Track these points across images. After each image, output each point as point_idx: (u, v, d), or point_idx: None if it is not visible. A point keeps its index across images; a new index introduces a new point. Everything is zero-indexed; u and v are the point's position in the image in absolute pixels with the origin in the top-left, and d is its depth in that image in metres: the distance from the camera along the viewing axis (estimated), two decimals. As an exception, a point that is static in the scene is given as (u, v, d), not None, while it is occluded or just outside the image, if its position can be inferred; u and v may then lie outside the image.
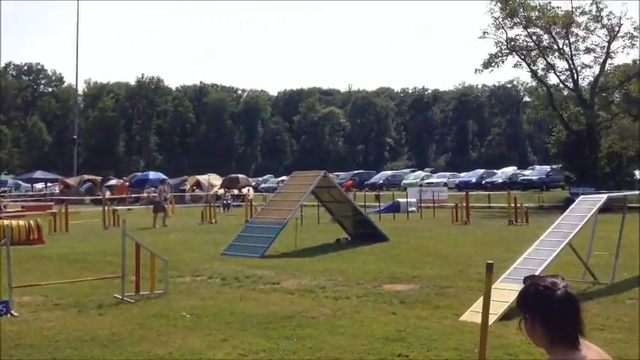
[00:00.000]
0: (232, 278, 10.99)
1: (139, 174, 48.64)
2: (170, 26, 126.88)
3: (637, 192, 17.07)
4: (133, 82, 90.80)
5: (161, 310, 8.60)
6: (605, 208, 13.50)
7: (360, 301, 9.02)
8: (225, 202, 32.55)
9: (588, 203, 10.89)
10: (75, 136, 53.75)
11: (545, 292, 2.25)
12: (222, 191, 36.27)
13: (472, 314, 7.74)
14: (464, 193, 27.33)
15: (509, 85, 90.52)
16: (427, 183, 43.82)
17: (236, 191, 37.89)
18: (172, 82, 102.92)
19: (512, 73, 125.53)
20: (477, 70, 33.44)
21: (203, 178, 40.52)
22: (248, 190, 37.50)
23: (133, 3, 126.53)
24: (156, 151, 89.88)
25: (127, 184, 40.76)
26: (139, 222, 24.10)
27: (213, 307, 8.74)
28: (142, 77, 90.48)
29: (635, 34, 30.54)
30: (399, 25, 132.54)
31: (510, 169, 50.48)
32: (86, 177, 45.70)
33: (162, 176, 44.76)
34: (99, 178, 44.80)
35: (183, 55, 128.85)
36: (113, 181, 45.51)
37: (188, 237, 18.54)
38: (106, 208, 23.60)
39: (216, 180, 40.29)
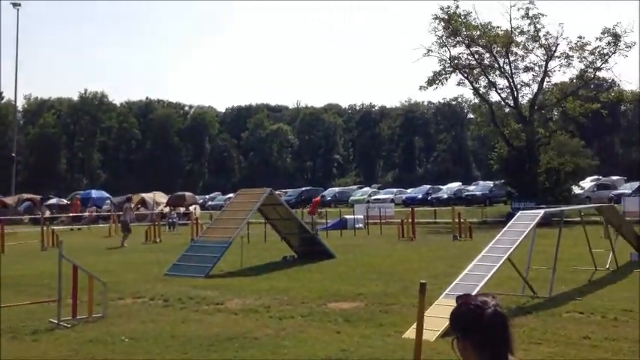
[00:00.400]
0: (175, 299, 10.75)
1: (81, 192, 47.28)
2: (115, 40, 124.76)
3: (573, 207, 17.66)
4: (75, 98, 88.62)
5: (98, 334, 8.31)
6: (543, 223, 13.95)
7: (305, 321, 8.95)
8: (170, 220, 31.97)
9: (527, 218, 11.19)
10: (14, 154, 51.90)
11: (476, 311, 2.25)
12: (167, 209, 35.61)
13: (415, 332, 7.79)
14: (410, 209, 27.66)
15: (454, 102, 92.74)
16: (374, 199, 44.24)
17: (182, 209, 37.26)
18: (117, 97, 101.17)
19: (457, 90, 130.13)
20: (421, 87, 34.08)
21: (148, 196, 39.71)
22: (195, 208, 36.94)
23: (74, 15, 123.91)
24: (100, 169, 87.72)
25: (78, 202, 39.38)
26: (82, 242, 23.48)
27: (153, 330, 8.50)
28: (85, 93, 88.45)
29: (571, 53, 31.76)
30: (346, 41, 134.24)
31: (455, 185, 51.53)
32: (25, 196, 44.09)
33: (106, 194, 43.79)
34: (38, 197, 43.28)
35: (129, 71, 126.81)
36: (53, 200, 44.10)
37: (131, 257, 18.08)
38: (45, 228, 22.77)
39: (161, 198, 39.56)
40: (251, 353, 7.24)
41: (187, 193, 41.36)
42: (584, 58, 31.59)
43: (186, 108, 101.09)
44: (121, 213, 23.05)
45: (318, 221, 28.14)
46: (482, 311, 2.24)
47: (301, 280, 12.91)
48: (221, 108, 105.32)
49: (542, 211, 11.65)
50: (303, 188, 57.14)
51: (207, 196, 58.43)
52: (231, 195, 41.92)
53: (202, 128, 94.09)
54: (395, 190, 53.42)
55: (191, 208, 36.76)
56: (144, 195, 40.53)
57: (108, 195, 43.65)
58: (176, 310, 9.95)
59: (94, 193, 44.49)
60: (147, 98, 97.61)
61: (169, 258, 15.84)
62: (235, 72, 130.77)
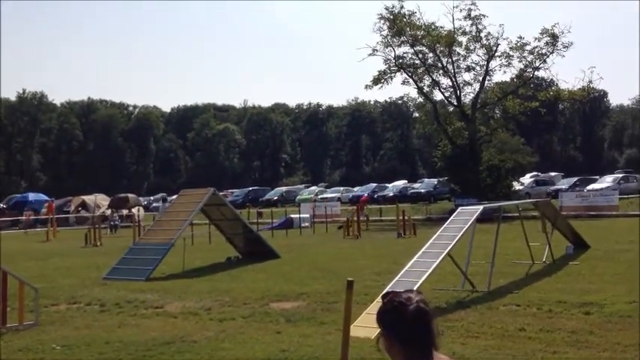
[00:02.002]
0: (112, 304, 10.42)
1: (18, 195, 45.55)
2: (56, 38, 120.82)
3: (511, 202, 18.08)
4: (13, 98, 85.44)
5: (29, 343, 7.97)
6: (484, 218, 14.22)
7: (246, 322, 8.83)
8: (112, 223, 31.15)
9: (466, 214, 11.36)
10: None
11: (399, 308, 2.27)
12: (109, 212, 34.70)
13: (356, 329, 7.75)
14: (356, 207, 27.79)
15: (399, 101, 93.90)
16: (321, 198, 44.29)
17: (125, 211, 36.37)
18: (58, 97, 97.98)
19: (402, 89, 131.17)
20: (367, 86, 34.33)
21: (89, 199, 38.58)
22: (138, 210, 36.09)
23: (11, 12, 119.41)
24: (39, 171, 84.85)
25: (4, 206, 37.85)
26: (18, 246, 22.64)
27: (87, 336, 8.21)
28: (24, 93, 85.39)
29: (511, 53, 32.56)
30: (292, 40, 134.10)
31: (401, 183, 52.14)
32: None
33: (44, 197, 42.35)
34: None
35: (70, 69, 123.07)
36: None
37: (69, 262, 17.48)
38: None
39: (103, 200, 38.50)
40: (188, 357, 7.07)
41: (130, 195, 40.37)
42: (524, 57, 32.50)
43: (131, 108, 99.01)
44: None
45: (262, 221, 27.96)
46: (406, 308, 2.25)
47: (244, 280, 12.75)
48: (166, 108, 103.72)
49: (481, 207, 11.87)
50: (250, 188, 56.76)
51: (151, 198, 57.30)
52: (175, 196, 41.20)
53: (147, 128, 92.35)
54: (342, 188, 53.65)
55: (134, 210, 35.90)
56: (85, 197, 39.36)
57: (46, 197, 42.19)
58: (113, 315, 9.65)
59: (32, 196, 42.92)
60: (89, 98, 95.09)
61: (109, 262, 15.39)
62: (181, 71, 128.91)
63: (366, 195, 39.71)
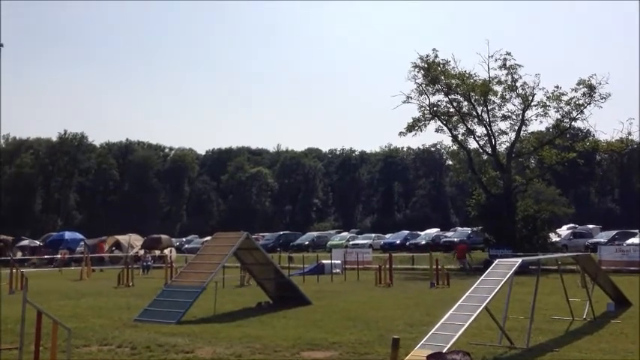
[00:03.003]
0: (143, 347, 10.37)
1: (54, 234, 46.35)
2: (95, 81, 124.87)
3: (550, 255, 17.66)
4: (54, 138, 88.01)
5: (60, 384, 7.93)
6: (521, 271, 13.87)
7: (277, 371, 8.66)
8: (145, 263, 31.36)
9: (504, 267, 11.10)
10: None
11: None
12: (142, 252, 34.98)
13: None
14: (388, 254, 27.48)
15: (432, 149, 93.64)
16: (352, 244, 43.98)
17: (158, 252, 36.63)
18: (97, 138, 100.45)
19: (436, 137, 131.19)
20: (401, 133, 34.39)
21: (123, 238, 39.03)
22: (170, 250, 36.33)
23: (55, 56, 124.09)
24: (76, 210, 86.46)
25: (104, 246, 38.02)
26: (52, 285, 22.88)
27: (118, 380, 8.14)
28: (65, 133, 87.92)
29: (548, 103, 32.36)
30: (326, 85, 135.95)
31: (433, 231, 51.51)
32: (-2, 236, 43.08)
33: (79, 236, 42.99)
34: (10, 238, 42.34)
35: (109, 111, 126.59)
36: (26, 242, 43.13)
37: (101, 302, 17.57)
38: (14, 270, 22.12)
39: (137, 240, 38.91)
40: (219, 406, 6.94)
41: (163, 236, 40.75)
42: (561, 108, 32.24)
43: (167, 150, 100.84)
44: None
45: (293, 266, 27.80)
46: None
47: (275, 327, 12.60)
48: (201, 150, 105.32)
49: (519, 260, 11.57)
50: (281, 232, 56.77)
51: (184, 239, 57.71)
52: (208, 238, 41.46)
53: (182, 170, 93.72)
54: (373, 235, 53.21)
55: (166, 250, 36.15)
56: (118, 237, 39.84)
57: (82, 236, 42.84)
58: (143, 359, 9.59)
59: (67, 235, 43.63)
60: (127, 139, 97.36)
61: (141, 303, 15.43)
62: (216, 114, 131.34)
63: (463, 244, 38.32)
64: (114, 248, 39.02)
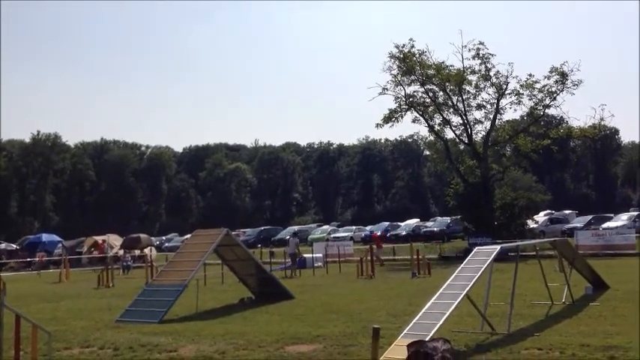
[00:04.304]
0: (126, 348, 10.28)
1: (31, 237, 45.69)
2: (68, 80, 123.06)
3: (528, 241, 17.87)
4: (27, 140, 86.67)
5: (42, 388, 7.84)
6: (500, 258, 14.01)
7: (261, 366, 8.66)
8: (124, 263, 31.07)
9: (483, 254, 11.20)
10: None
11: (425, 359, 2.26)
12: (121, 252, 34.66)
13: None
14: (369, 246, 27.58)
15: (410, 140, 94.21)
16: (334, 237, 44.08)
17: (137, 252, 36.32)
18: (71, 138, 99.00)
19: (413, 127, 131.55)
20: (378, 124, 34.43)
21: (101, 239, 38.61)
22: (150, 250, 36.03)
23: (26, 54, 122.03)
24: (52, 211, 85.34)
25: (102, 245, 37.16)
26: (30, 288, 22.56)
27: (101, 381, 8.07)
28: (38, 134, 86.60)
29: (521, 91, 32.65)
30: (302, 79, 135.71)
31: (413, 222, 51.85)
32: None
33: (57, 238, 42.44)
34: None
35: (83, 111, 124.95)
36: (2, 245, 42.45)
37: (81, 303, 17.38)
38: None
39: (116, 240, 38.51)
40: (204, 403, 6.92)
41: (142, 235, 40.38)
42: (534, 96, 32.54)
43: (143, 148, 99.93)
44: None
45: (275, 261, 27.80)
46: (431, 358, 2.24)
47: (258, 322, 12.59)
48: (178, 148, 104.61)
49: (498, 247, 11.69)
50: (262, 228, 56.69)
51: (163, 238, 57.34)
52: (188, 236, 41.17)
53: (159, 168, 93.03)
54: (354, 227, 53.40)
55: (146, 250, 35.85)
56: (97, 237, 39.43)
57: (59, 238, 42.30)
58: (126, 359, 9.51)
59: (45, 237, 43.03)
60: (102, 139, 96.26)
61: (122, 303, 15.30)
62: (192, 111, 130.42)
63: (377, 232, 39.56)
64: (92, 249, 38.59)
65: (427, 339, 5.99)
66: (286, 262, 27.04)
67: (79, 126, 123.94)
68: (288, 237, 30.89)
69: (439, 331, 8.59)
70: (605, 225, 35.10)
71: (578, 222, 39.72)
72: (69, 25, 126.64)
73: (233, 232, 22.21)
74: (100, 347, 10.52)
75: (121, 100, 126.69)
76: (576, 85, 31.68)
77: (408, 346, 2.27)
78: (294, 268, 25.32)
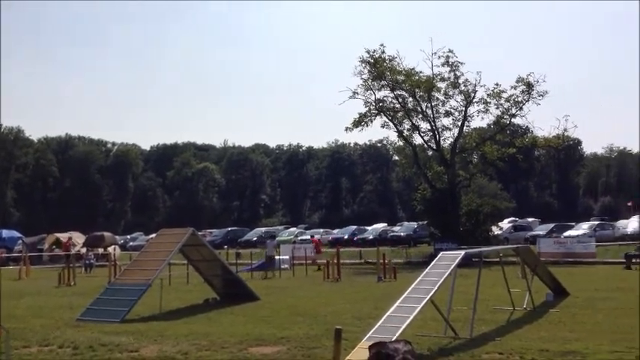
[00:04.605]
0: (86, 347, 10.11)
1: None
2: (33, 74, 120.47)
3: (492, 247, 18.15)
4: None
5: (-3, 387, 7.66)
6: (464, 263, 14.20)
7: (224, 367, 8.61)
8: (87, 262, 30.52)
9: (448, 259, 11.35)
10: None
11: None
12: (84, 250, 34.04)
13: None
14: (336, 249, 27.64)
15: (379, 144, 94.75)
16: (301, 240, 44.04)
17: (101, 250, 35.73)
18: (34, 133, 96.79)
19: (382, 132, 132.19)
20: (347, 128, 34.58)
21: (64, 237, 37.87)
22: (114, 248, 35.48)
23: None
24: (13, 207, 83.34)
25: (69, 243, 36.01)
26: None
27: (59, 381, 7.92)
28: (0, 128, 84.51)
29: (489, 100, 33.16)
30: (273, 81, 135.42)
31: (381, 226, 52.15)
32: None
33: (17, 234, 41.50)
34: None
35: (48, 105, 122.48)
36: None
37: (41, 301, 17.03)
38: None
39: (78, 238, 37.81)
40: (165, 404, 6.84)
41: (106, 233, 39.75)
42: (501, 104, 33.09)
43: (109, 145, 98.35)
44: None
45: (241, 262, 27.68)
46: (392, 359, 2.29)
47: (222, 323, 12.51)
48: (146, 146, 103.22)
49: (462, 252, 11.86)
50: (229, 228, 56.31)
51: (128, 236, 56.52)
52: (153, 235, 40.68)
53: (125, 166, 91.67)
54: (321, 230, 53.46)
55: (110, 248, 35.28)
56: (59, 235, 38.66)
57: (19, 235, 41.37)
58: (85, 359, 9.36)
59: (5, 233, 42.03)
60: (66, 134, 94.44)
61: (83, 302, 15.04)
62: (161, 109, 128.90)
63: (317, 237, 40.17)
64: (54, 247, 37.82)
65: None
66: (252, 264, 26.95)
67: (43, 121, 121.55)
68: (266, 240, 31.60)
69: (403, 334, 8.66)
70: (567, 233, 35.82)
71: (541, 230, 40.45)
72: (34, 17, 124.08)
73: (200, 233, 22.05)
74: (59, 346, 10.32)
75: (88, 96, 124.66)
76: (542, 95, 32.35)
77: (370, 347, 2.30)
78: (272, 270, 25.38)
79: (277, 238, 46.79)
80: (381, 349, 2.35)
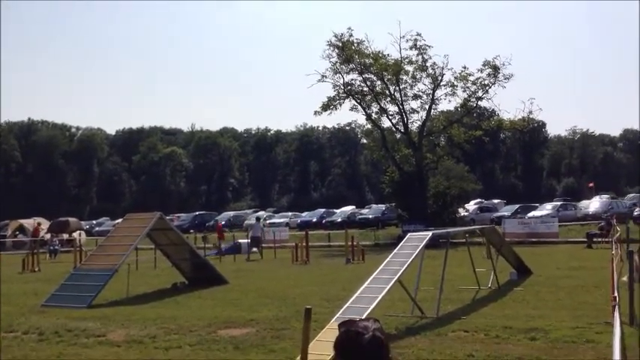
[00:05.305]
0: (51, 332, 9.98)
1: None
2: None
3: (458, 229, 18.42)
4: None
5: (-40, 375, 7.52)
6: (431, 244, 14.40)
7: (193, 350, 8.61)
8: (51, 247, 30.02)
9: (415, 240, 11.48)
10: None
11: (356, 337, 2.29)
12: (48, 236, 33.45)
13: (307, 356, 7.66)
14: (305, 232, 27.72)
15: (347, 128, 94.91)
16: (269, 223, 44.03)
17: (66, 236, 35.16)
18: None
19: (351, 115, 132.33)
20: (316, 112, 34.58)
21: (27, 222, 37.15)
22: (79, 234, 34.95)
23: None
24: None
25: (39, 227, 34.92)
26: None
27: (24, 367, 7.81)
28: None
29: (456, 83, 33.44)
30: (241, 64, 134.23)
31: (349, 209, 52.42)
32: None
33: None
34: None
35: (9, 89, 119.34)
36: None
37: (5, 288, 16.63)
38: None
39: (43, 224, 37.13)
40: (133, 388, 6.81)
41: (71, 219, 39.11)
42: (468, 87, 33.40)
43: (73, 130, 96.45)
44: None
45: (210, 246, 27.56)
46: (362, 337, 2.28)
47: (191, 307, 12.47)
48: (111, 130, 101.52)
49: (430, 233, 12.01)
50: (197, 213, 55.96)
51: (94, 222, 55.75)
52: (120, 220, 40.14)
53: (90, 151, 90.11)
54: (290, 213, 53.51)
55: (75, 234, 34.74)
56: (22, 221, 37.89)
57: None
58: (52, 345, 9.24)
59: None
60: (29, 119, 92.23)
61: (48, 288, 14.80)
62: (127, 93, 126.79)
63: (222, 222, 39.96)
64: (17, 232, 37.09)
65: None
66: (223, 248, 26.88)
67: (5, 105, 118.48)
68: (252, 221, 31.06)
69: (371, 314, 8.75)
70: (531, 214, 36.57)
71: (506, 211, 41.20)
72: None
73: (167, 217, 21.84)
74: (24, 332, 10.17)
75: (51, 79, 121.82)
76: (507, 78, 32.74)
77: (339, 325, 2.32)
78: (253, 252, 25.57)
79: (246, 222, 46.79)
80: (350, 327, 2.36)
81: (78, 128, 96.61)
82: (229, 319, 10.72)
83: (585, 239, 25.57)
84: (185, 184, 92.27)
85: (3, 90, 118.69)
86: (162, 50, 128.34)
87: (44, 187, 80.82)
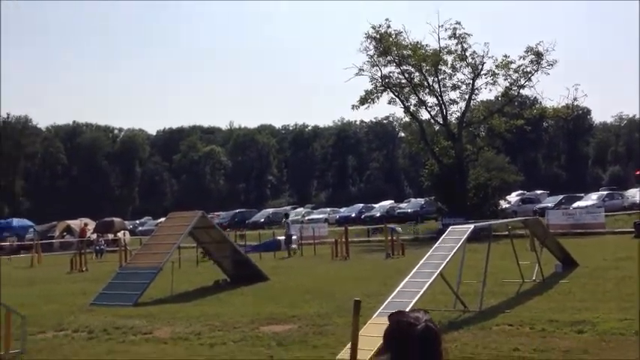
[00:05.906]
0: (100, 330, 10.24)
1: (1, 221, 44.93)
2: (40, 62, 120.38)
3: (501, 221, 18.15)
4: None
5: (15, 372, 7.78)
6: (473, 237, 14.23)
7: (237, 346, 8.72)
8: (97, 248, 30.76)
9: (457, 233, 11.37)
10: None
11: (408, 328, 2.25)
12: (94, 236, 34.29)
13: (349, 351, 7.67)
14: (344, 228, 27.72)
15: (385, 121, 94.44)
16: (308, 219, 44.14)
17: (111, 236, 35.99)
18: (42, 121, 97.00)
19: (388, 109, 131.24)
20: (353, 106, 34.40)
21: (74, 223, 38.15)
22: (124, 234, 35.73)
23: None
24: (23, 196, 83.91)
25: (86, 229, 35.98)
26: (2, 273, 22.24)
27: (75, 364, 8.04)
28: (8, 117, 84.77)
29: (497, 71, 32.75)
30: (278, 60, 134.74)
31: (387, 203, 52.09)
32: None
33: (28, 222, 41.83)
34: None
35: (55, 93, 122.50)
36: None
37: (54, 288, 17.20)
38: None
39: (89, 224, 38.06)
40: (179, 384, 6.94)
41: (116, 219, 40.00)
42: (509, 76, 32.67)
43: (116, 131, 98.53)
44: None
45: (250, 243, 27.84)
46: (414, 327, 2.24)
47: (234, 304, 12.62)
48: (152, 131, 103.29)
49: (471, 226, 11.87)
50: (237, 210, 56.47)
51: (137, 222, 56.84)
52: (162, 219, 40.83)
53: (132, 152, 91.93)
54: (328, 209, 53.48)
55: (120, 234, 35.53)
56: (70, 222, 38.92)
57: (30, 223, 41.68)
58: (101, 342, 9.48)
59: (16, 222, 42.35)
60: (74, 122, 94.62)
61: (96, 287, 15.18)
62: (166, 93, 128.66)
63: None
64: (65, 233, 38.11)
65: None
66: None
67: (51, 109, 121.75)
68: (283, 220, 31.84)
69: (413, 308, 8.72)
70: (576, 204, 35.71)
71: (550, 202, 40.33)
72: (40, 6, 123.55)
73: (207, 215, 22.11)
74: (74, 330, 10.46)
75: (94, 83, 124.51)
76: (551, 65, 31.90)
77: (390, 316, 2.29)
78: (292, 249, 25.83)
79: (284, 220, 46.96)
80: (402, 318, 2.31)
81: (120, 129, 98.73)
82: (271, 316, 10.81)
83: (633, 229, 24.87)
84: (224, 182, 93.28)
85: (48, 94, 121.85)
86: (198, 48, 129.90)
87: (88, 188, 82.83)
